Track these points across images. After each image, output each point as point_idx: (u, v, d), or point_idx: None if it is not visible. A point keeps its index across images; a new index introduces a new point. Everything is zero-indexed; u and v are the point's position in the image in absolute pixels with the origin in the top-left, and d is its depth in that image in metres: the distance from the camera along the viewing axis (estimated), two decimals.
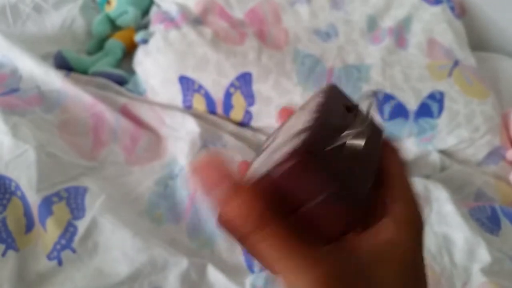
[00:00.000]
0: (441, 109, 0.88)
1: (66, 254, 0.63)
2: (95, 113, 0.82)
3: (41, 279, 0.62)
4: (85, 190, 0.69)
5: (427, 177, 0.84)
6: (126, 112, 0.84)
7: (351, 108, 0.30)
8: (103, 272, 0.64)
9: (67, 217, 0.66)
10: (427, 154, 0.88)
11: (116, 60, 0.96)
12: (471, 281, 0.66)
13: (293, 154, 0.24)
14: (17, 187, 0.66)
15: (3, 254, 0.62)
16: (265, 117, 0.89)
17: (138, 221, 0.70)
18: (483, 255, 0.68)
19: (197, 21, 0.96)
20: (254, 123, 0.90)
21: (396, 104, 0.88)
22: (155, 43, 0.92)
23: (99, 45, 1.00)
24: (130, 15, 1.00)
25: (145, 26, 1.01)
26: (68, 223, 0.65)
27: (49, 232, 0.64)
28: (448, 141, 0.88)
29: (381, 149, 0.30)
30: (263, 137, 0.88)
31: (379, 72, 0.91)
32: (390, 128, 0.87)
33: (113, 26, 1.03)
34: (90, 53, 0.98)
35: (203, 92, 0.88)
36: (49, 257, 0.64)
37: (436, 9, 1.04)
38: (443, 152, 0.89)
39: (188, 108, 0.90)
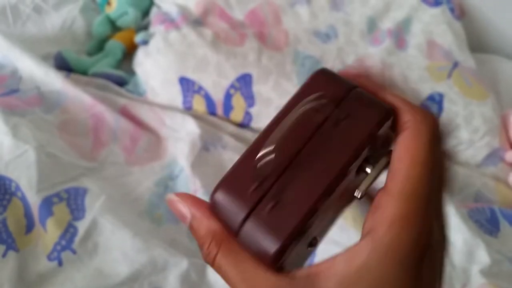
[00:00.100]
0: (440, 110, 0.88)
1: (66, 255, 0.64)
2: (95, 113, 0.82)
3: (41, 280, 0.62)
4: (85, 191, 0.69)
5: None
6: (126, 113, 0.84)
7: (337, 97, 0.26)
8: (103, 273, 0.64)
9: (67, 218, 0.66)
10: None
11: (116, 61, 0.96)
12: (470, 283, 0.67)
13: (215, 189, 0.26)
14: (17, 187, 0.66)
15: (4, 255, 0.62)
16: (265, 118, 0.89)
17: (138, 222, 0.70)
18: (482, 257, 0.68)
19: (197, 22, 0.96)
20: (254, 124, 0.90)
21: None
22: (155, 44, 0.92)
23: (99, 46, 1.00)
24: (130, 16, 1.00)
25: (145, 27, 1.01)
26: (68, 224, 0.65)
27: (49, 233, 0.64)
28: (447, 142, 0.88)
29: (394, 134, 0.25)
30: None
31: (379, 74, 0.91)
32: None
33: (113, 27, 1.03)
34: (90, 54, 0.98)
35: (203, 93, 0.89)
36: (49, 258, 0.64)
37: (436, 11, 1.04)
38: None
39: (188, 109, 0.90)
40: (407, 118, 0.24)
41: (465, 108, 0.89)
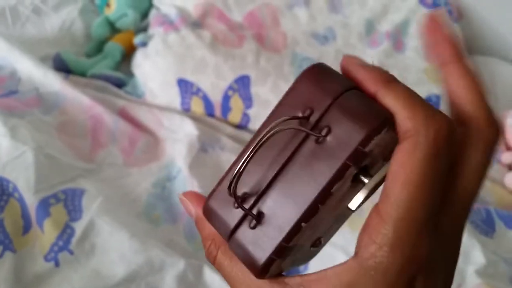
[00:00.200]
0: None
1: (63, 256, 0.64)
2: (94, 115, 0.82)
3: (38, 280, 0.62)
4: (82, 192, 0.70)
5: None
6: (124, 115, 0.85)
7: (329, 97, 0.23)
8: (100, 274, 0.64)
9: (64, 219, 0.66)
10: None
11: (115, 63, 0.97)
12: (465, 283, 0.67)
13: (206, 199, 0.26)
14: (15, 188, 0.66)
15: (0, 256, 0.62)
16: (263, 119, 0.89)
17: (135, 223, 0.70)
18: (478, 257, 0.68)
19: (196, 24, 0.96)
20: (252, 125, 0.90)
21: None
22: (154, 46, 0.92)
23: (98, 48, 1.00)
24: (129, 18, 1.01)
25: (144, 29, 1.01)
26: (65, 225, 0.65)
27: (46, 234, 0.64)
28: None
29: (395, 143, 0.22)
30: None
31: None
32: None
33: (112, 28, 1.03)
34: (89, 55, 0.98)
35: (202, 94, 0.89)
36: (46, 259, 0.64)
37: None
38: None
39: (186, 110, 0.90)
40: (406, 127, 0.21)
41: None
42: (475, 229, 0.74)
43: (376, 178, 0.23)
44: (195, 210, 0.28)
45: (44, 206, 0.65)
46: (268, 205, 0.23)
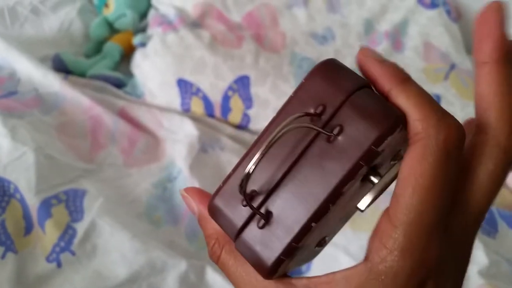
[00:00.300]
0: None
1: (65, 257, 0.64)
2: (93, 115, 0.82)
3: (40, 281, 0.62)
4: (83, 192, 0.70)
5: None
6: (124, 115, 0.85)
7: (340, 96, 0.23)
8: (102, 275, 0.64)
9: (66, 219, 0.66)
10: None
11: (114, 63, 0.96)
12: (468, 284, 0.67)
13: (212, 197, 0.25)
14: (16, 189, 0.66)
15: (2, 257, 0.62)
16: (263, 119, 0.89)
17: (136, 223, 0.70)
18: (481, 258, 0.69)
19: (195, 24, 0.96)
20: (252, 126, 0.90)
21: None
22: (153, 46, 0.92)
23: (97, 48, 1.00)
24: (128, 18, 1.00)
25: (143, 29, 1.01)
26: (67, 225, 0.65)
27: (48, 235, 0.64)
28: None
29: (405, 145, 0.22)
30: None
31: None
32: None
33: (111, 29, 1.03)
34: (88, 56, 0.98)
35: (201, 95, 0.89)
36: (48, 260, 0.64)
37: (432, 13, 1.05)
38: None
39: (186, 111, 0.90)
40: (417, 130, 0.20)
41: (462, 110, 0.89)
42: None
43: (386, 178, 0.23)
44: (198, 207, 0.27)
45: (46, 207, 0.65)
46: (277, 204, 0.23)
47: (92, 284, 0.63)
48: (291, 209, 0.23)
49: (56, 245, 0.64)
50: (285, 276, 0.24)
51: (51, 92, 0.82)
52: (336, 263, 0.69)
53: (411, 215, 0.20)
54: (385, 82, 0.22)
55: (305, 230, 0.22)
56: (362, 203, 0.24)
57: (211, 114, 0.90)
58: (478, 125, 0.22)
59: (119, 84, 0.92)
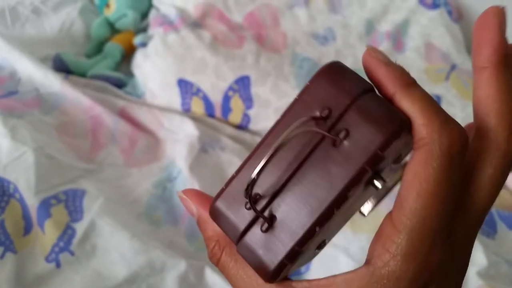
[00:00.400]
0: None
1: (64, 257, 0.64)
2: (94, 115, 0.82)
3: (39, 281, 0.62)
4: (83, 192, 0.69)
5: None
6: (124, 115, 0.84)
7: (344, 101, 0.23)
8: (101, 275, 0.64)
9: (65, 219, 0.66)
10: None
11: (114, 63, 0.96)
12: (467, 285, 0.67)
13: (214, 199, 0.25)
14: (16, 189, 0.66)
15: (2, 257, 0.61)
16: (264, 120, 0.89)
17: (136, 223, 0.70)
18: (480, 259, 0.68)
19: (196, 24, 0.96)
20: (252, 126, 0.90)
21: None
22: (154, 46, 0.92)
23: (98, 48, 1.00)
24: (129, 18, 1.00)
25: (144, 29, 1.01)
26: (66, 225, 0.65)
27: (47, 235, 0.64)
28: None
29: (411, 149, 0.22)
30: None
31: None
32: None
33: (112, 29, 1.03)
34: (89, 56, 0.98)
35: (202, 95, 0.89)
36: (47, 259, 0.64)
37: (434, 13, 1.04)
38: None
39: (186, 111, 0.90)
40: (421, 134, 0.20)
41: (463, 110, 0.89)
42: None
43: (389, 183, 0.23)
44: (197, 209, 0.27)
45: (45, 206, 0.65)
46: (281, 208, 0.23)
47: (91, 284, 0.63)
48: (295, 213, 0.22)
49: (55, 245, 0.64)
50: (285, 279, 0.24)
51: (51, 92, 0.82)
52: (335, 264, 0.69)
53: (415, 219, 0.20)
54: (390, 85, 0.22)
55: (309, 234, 0.22)
56: (365, 208, 0.24)
57: (211, 114, 0.90)
58: (477, 130, 0.22)
59: (120, 84, 0.92)
